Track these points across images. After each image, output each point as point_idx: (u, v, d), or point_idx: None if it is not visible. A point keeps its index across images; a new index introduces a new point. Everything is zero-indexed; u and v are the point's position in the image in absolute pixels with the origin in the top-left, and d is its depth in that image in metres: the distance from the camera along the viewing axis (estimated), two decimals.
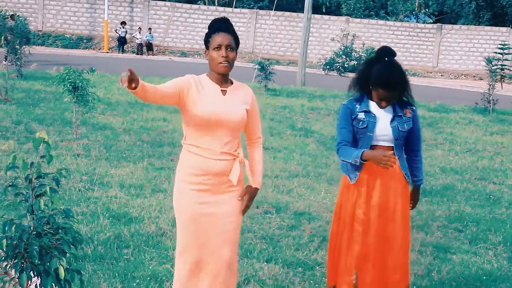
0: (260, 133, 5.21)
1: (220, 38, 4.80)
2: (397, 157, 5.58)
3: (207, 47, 4.89)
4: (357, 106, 5.58)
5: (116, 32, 42.27)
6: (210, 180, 4.84)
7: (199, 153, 4.81)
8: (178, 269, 5.04)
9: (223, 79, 4.92)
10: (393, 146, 5.57)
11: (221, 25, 4.86)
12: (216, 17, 4.90)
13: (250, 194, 5.08)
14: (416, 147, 5.77)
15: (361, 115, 5.52)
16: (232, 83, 5.01)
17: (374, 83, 5.43)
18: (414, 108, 5.70)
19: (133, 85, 4.28)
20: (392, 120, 5.54)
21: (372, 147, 5.52)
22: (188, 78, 4.84)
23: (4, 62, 27.75)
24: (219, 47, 4.79)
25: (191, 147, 4.86)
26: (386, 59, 5.49)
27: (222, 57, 4.79)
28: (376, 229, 5.54)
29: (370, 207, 5.53)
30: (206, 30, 4.96)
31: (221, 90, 4.88)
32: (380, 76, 5.41)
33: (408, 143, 5.71)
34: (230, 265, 4.99)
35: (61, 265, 4.18)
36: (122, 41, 42.27)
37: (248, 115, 4.98)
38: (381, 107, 5.54)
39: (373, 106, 5.57)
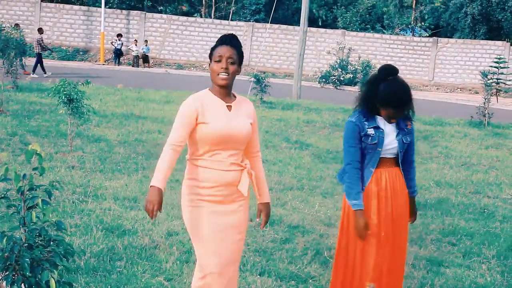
0: (259, 147, 5.28)
1: (221, 50, 4.86)
2: (401, 169, 5.64)
3: (211, 60, 4.94)
4: (366, 122, 5.53)
5: (112, 44, 42.31)
6: (221, 191, 4.90)
7: (210, 166, 4.87)
8: (200, 280, 5.02)
9: (226, 93, 4.97)
10: (395, 158, 5.62)
11: (225, 39, 4.93)
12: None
13: (266, 210, 5.25)
14: (412, 157, 5.78)
15: (371, 131, 5.50)
16: (235, 97, 5.06)
17: (383, 103, 5.41)
18: (413, 120, 5.74)
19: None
20: (397, 134, 5.59)
21: (379, 160, 5.55)
22: (191, 107, 4.86)
23: (32, 74, 28.15)
24: (220, 59, 4.84)
25: (200, 161, 4.90)
26: (391, 77, 5.49)
27: (222, 68, 4.83)
28: (392, 241, 5.57)
29: (382, 219, 5.54)
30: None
31: (227, 105, 4.93)
32: (389, 96, 5.40)
33: (405, 155, 5.72)
34: (237, 273, 5.10)
35: (52, 277, 4.17)
36: (118, 53, 42.29)
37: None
38: (389, 122, 5.55)
39: (380, 121, 5.57)
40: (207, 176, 4.88)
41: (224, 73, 4.84)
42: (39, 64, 30.45)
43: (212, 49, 4.94)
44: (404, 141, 5.60)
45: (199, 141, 4.88)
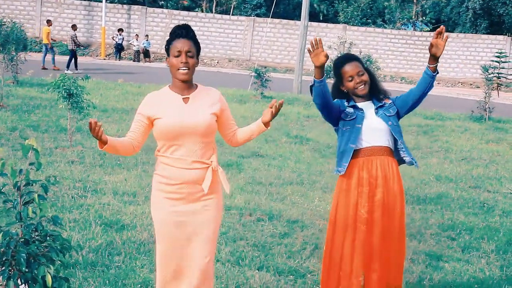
0: (235, 127, 5.19)
1: (179, 44, 4.81)
2: (396, 159, 5.70)
3: (168, 55, 4.89)
4: (346, 103, 5.72)
5: (113, 39, 42.26)
6: (184, 189, 4.85)
7: (171, 163, 4.83)
8: (158, 278, 5.06)
9: (186, 86, 4.92)
10: (389, 148, 5.63)
11: (181, 32, 4.85)
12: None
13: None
14: (414, 91, 5.76)
15: (350, 109, 5.66)
16: (197, 87, 4.99)
17: (337, 68, 5.72)
18: (390, 97, 5.86)
19: (101, 140, 4.62)
20: (376, 113, 5.68)
21: (361, 150, 5.62)
22: (142, 106, 4.92)
23: (66, 70, 29.05)
24: (179, 54, 4.80)
25: (163, 158, 4.90)
26: None
27: (182, 63, 4.79)
28: (381, 227, 5.58)
29: (373, 206, 5.57)
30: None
31: (183, 98, 4.88)
32: (337, 59, 5.83)
33: (411, 95, 5.79)
34: (206, 274, 4.95)
35: (49, 272, 4.16)
36: (119, 48, 42.26)
37: (221, 117, 5.00)
38: (358, 92, 5.66)
39: (359, 103, 5.72)
40: (168, 173, 4.86)
41: (184, 68, 4.80)
42: (73, 60, 31.24)
43: (168, 43, 4.88)
44: (388, 114, 5.69)
45: (158, 137, 4.90)
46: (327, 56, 5.24)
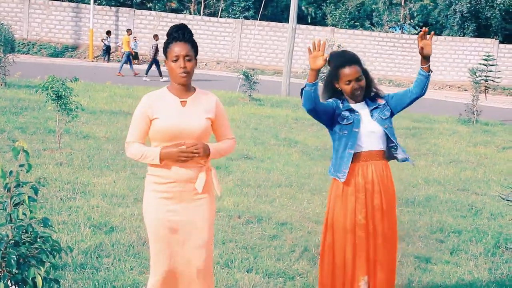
0: (231, 135, 5.19)
1: (177, 49, 4.80)
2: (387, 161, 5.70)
3: (166, 57, 4.89)
4: (341, 104, 5.60)
5: (103, 41, 42.09)
6: (176, 187, 4.86)
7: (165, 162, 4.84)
8: (150, 280, 5.05)
9: (184, 89, 4.93)
10: (383, 152, 5.63)
11: (178, 35, 4.84)
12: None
13: (204, 146, 4.89)
14: (409, 93, 5.72)
15: (346, 113, 5.55)
16: (195, 91, 5.00)
17: (336, 67, 5.53)
18: (383, 95, 5.79)
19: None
20: (371, 115, 5.62)
21: (357, 155, 5.56)
22: (141, 109, 4.90)
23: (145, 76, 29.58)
24: (177, 58, 4.80)
25: None
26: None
27: (180, 68, 4.80)
28: (381, 232, 5.58)
29: (373, 211, 5.56)
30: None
31: (181, 101, 4.89)
32: (337, 57, 5.58)
33: (408, 94, 5.74)
34: (204, 273, 4.97)
35: (39, 274, 4.16)
36: (107, 50, 42.17)
37: (215, 122, 5.01)
38: (355, 97, 5.60)
39: (353, 106, 5.63)
40: (161, 171, 4.86)
41: (184, 72, 4.81)
42: (156, 67, 32.53)
43: (166, 46, 4.87)
44: (383, 117, 5.63)
45: (153, 138, 4.90)
46: (325, 61, 5.21)
